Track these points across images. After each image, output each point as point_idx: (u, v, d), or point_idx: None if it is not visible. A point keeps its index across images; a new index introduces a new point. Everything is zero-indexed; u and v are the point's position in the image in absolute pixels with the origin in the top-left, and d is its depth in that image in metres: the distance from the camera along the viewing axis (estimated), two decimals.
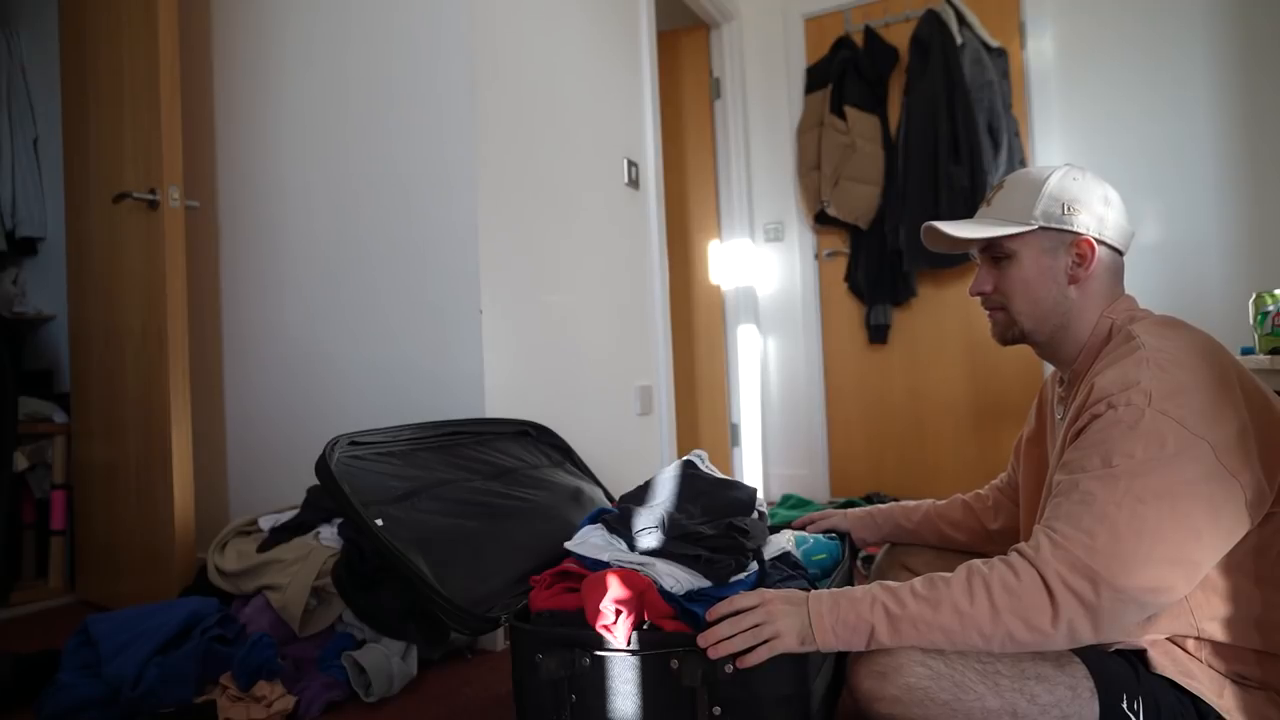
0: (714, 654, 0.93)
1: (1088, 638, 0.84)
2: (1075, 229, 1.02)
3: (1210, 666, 0.92)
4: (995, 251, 1.07)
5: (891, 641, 0.89)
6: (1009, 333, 1.09)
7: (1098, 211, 1.02)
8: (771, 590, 0.98)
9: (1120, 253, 1.06)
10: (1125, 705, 0.88)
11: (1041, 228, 1.03)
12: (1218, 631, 0.91)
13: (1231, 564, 0.90)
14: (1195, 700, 0.90)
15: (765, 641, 0.92)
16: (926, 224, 1.11)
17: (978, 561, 0.90)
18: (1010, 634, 0.85)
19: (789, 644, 0.92)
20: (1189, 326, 0.97)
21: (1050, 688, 0.88)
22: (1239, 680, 0.92)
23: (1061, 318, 1.04)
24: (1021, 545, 0.89)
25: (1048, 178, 1.04)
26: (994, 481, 1.36)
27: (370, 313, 2.14)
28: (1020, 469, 1.25)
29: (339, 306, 2.20)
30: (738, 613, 0.95)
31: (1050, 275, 1.04)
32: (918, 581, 0.91)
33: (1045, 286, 1.04)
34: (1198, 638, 0.92)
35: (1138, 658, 0.92)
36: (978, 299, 1.11)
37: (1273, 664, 0.91)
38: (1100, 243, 1.02)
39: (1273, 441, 0.88)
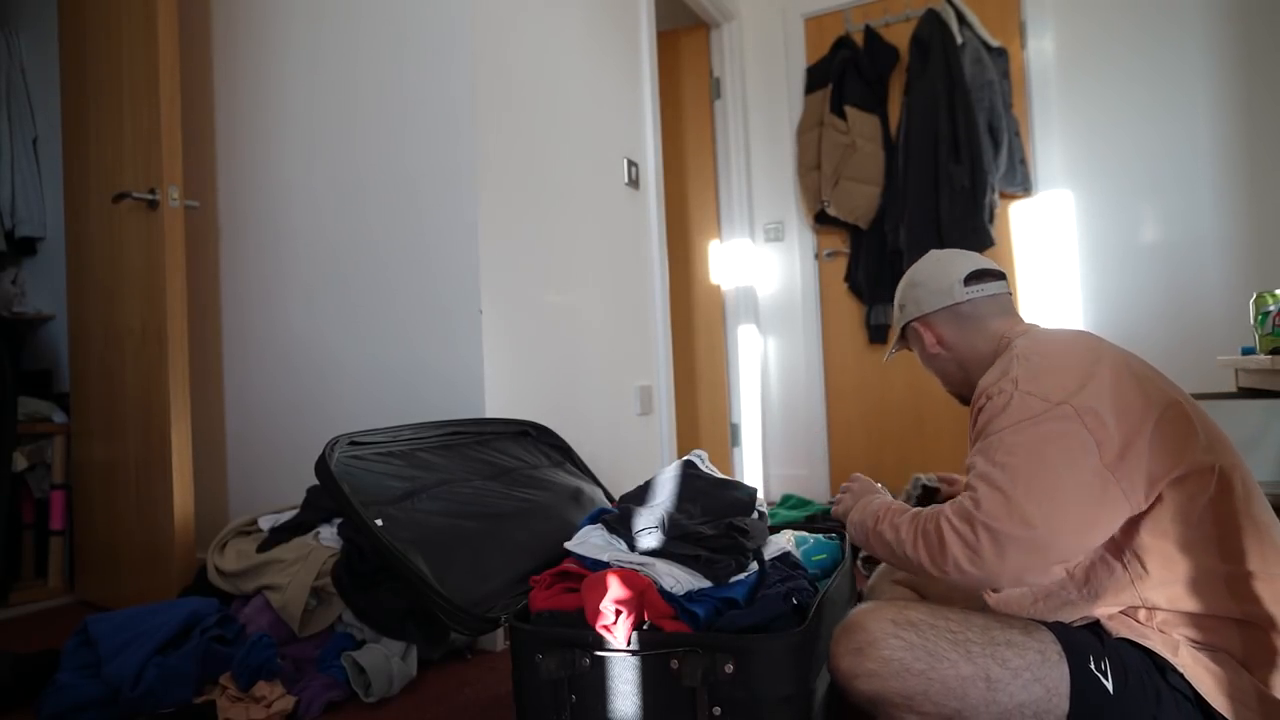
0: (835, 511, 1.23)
1: (973, 572, 0.91)
2: (906, 319, 1.27)
3: (1161, 631, 0.95)
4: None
5: (875, 545, 1.06)
6: (956, 397, 1.28)
7: (912, 297, 1.25)
8: (865, 502, 1.14)
9: (955, 304, 1.20)
10: (1093, 666, 0.92)
11: (901, 330, 1.31)
12: (1161, 600, 0.95)
13: (1159, 533, 0.94)
14: (1153, 657, 0.93)
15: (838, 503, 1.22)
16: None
17: (925, 511, 1.02)
18: (920, 563, 0.97)
19: (838, 512, 1.21)
20: (1075, 330, 1.09)
21: (1020, 652, 0.92)
22: (1193, 643, 0.94)
23: (958, 370, 1.23)
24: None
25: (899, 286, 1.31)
26: None
27: (370, 313, 2.14)
28: None
29: (339, 306, 2.20)
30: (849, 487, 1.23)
31: (924, 354, 1.27)
32: (903, 511, 1.06)
33: (929, 361, 1.26)
34: (1148, 609, 0.96)
35: (1097, 626, 0.98)
36: None
37: (1214, 625, 0.93)
38: (924, 317, 1.23)
39: (1172, 422, 0.94)
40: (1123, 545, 0.96)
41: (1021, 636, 0.94)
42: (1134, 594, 0.96)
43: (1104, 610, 0.98)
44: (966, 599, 1.28)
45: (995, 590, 1.06)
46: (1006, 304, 1.22)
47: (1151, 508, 0.93)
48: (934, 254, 1.27)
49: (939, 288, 1.23)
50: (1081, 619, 0.99)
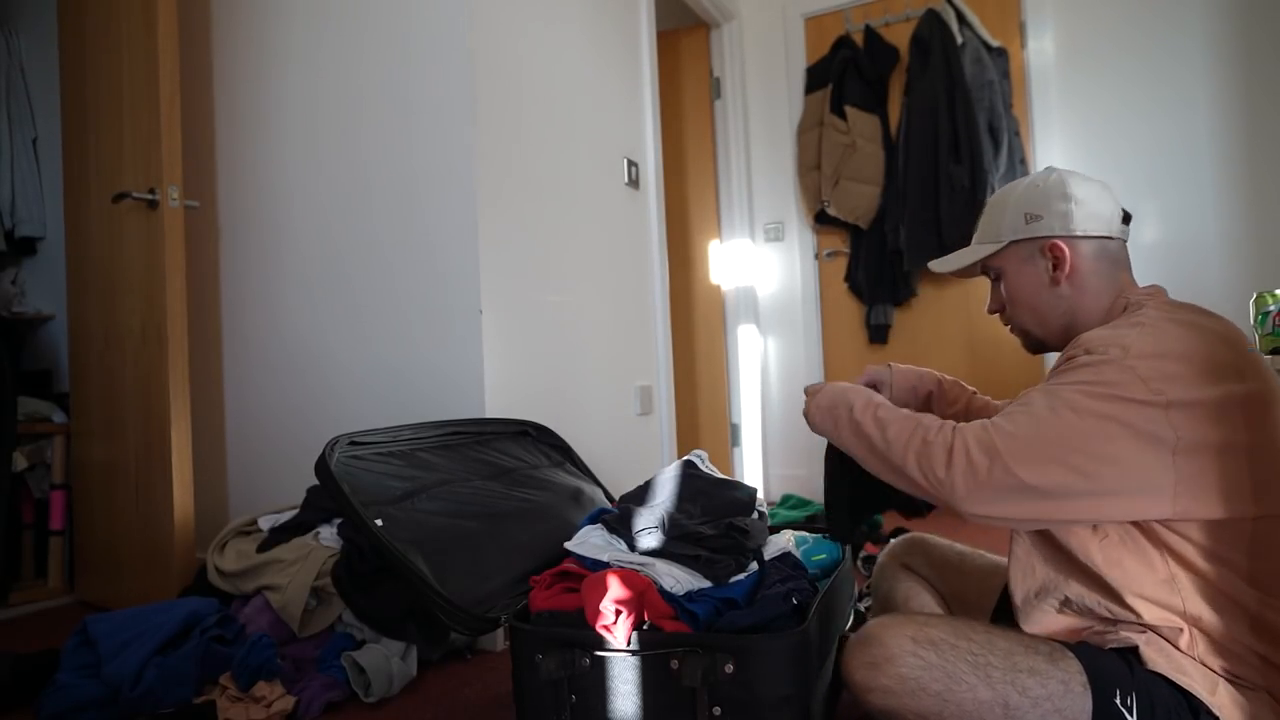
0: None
1: (958, 499, 0.88)
2: (1040, 234, 1.06)
3: (1203, 664, 0.91)
4: (989, 273, 1.13)
5: (845, 433, 1.02)
6: (1029, 343, 1.14)
7: (1060, 209, 1.05)
8: (840, 386, 1.10)
9: (1108, 238, 1.06)
10: (1119, 700, 0.88)
11: (1013, 242, 1.08)
12: (1211, 624, 0.90)
13: (1225, 559, 0.89)
14: (1189, 697, 0.89)
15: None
16: (930, 264, 1.20)
17: (931, 417, 0.97)
18: (905, 469, 0.93)
19: (810, 423, 1.11)
20: (1207, 312, 0.96)
21: (1042, 681, 0.89)
22: (1233, 679, 0.91)
23: (1064, 317, 1.06)
24: (959, 423, 0.95)
25: (1014, 191, 1.09)
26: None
27: (370, 313, 2.14)
28: None
29: (339, 306, 2.20)
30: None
31: (1036, 281, 1.07)
32: (889, 406, 1.01)
33: (1035, 294, 1.08)
34: (1192, 633, 0.91)
35: (1133, 655, 0.92)
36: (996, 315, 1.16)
37: (1269, 667, 0.90)
38: (1072, 238, 1.04)
39: (1267, 457, 0.88)
40: (1168, 547, 0.90)
41: (1046, 664, 0.90)
42: (1178, 604, 0.90)
43: (1145, 634, 0.92)
44: (980, 592, 1.25)
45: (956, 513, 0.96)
46: (1128, 259, 1.08)
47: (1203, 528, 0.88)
48: (1075, 173, 1.07)
49: (1098, 211, 1.05)
50: (1119, 641, 0.93)
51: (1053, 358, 1.10)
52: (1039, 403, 0.89)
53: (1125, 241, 1.07)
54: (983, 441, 0.88)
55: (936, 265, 1.19)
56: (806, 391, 1.15)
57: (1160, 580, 0.91)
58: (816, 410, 1.09)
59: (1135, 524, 0.91)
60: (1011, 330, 1.15)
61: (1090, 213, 1.04)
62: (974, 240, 1.15)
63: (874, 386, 1.35)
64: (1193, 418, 0.85)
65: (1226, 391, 0.87)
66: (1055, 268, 1.05)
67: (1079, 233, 1.04)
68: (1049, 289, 1.06)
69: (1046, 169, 1.10)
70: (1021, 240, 1.07)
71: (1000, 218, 1.09)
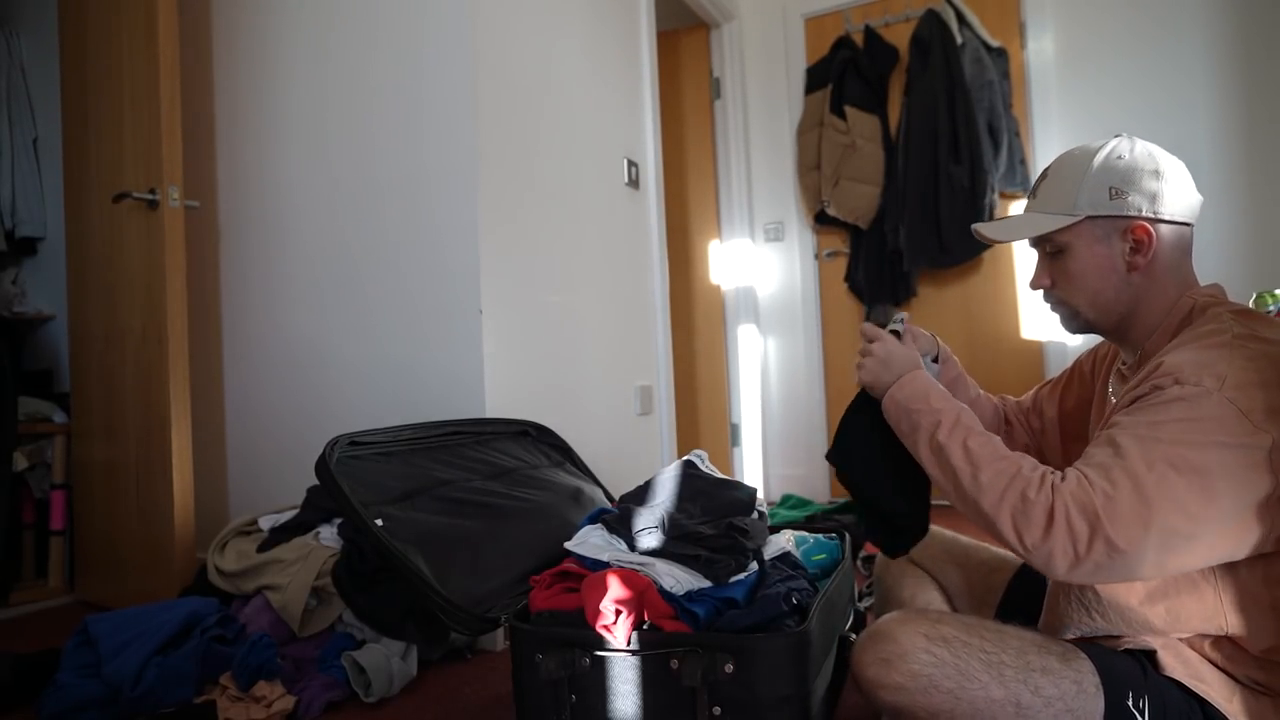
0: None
1: (1060, 572, 0.83)
2: (1126, 213, 0.94)
3: (1223, 670, 0.90)
4: (1048, 246, 1.02)
5: (922, 444, 0.96)
6: (1074, 324, 1.04)
7: (1149, 189, 0.94)
8: (899, 345, 1.07)
9: (1188, 225, 0.97)
10: (1131, 703, 0.87)
11: (1089, 217, 0.96)
12: (1241, 632, 0.89)
13: (1259, 565, 0.87)
14: (1203, 704, 0.88)
15: (860, 368, 1.08)
16: (974, 227, 1.08)
17: (1028, 463, 0.89)
18: (996, 524, 0.86)
19: (865, 380, 1.06)
20: (1277, 323, 0.91)
21: (1055, 680, 0.87)
22: (1251, 685, 0.90)
23: (1127, 305, 0.98)
24: (1055, 475, 0.87)
25: (1093, 158, 0.97)
26: (1018, 400, 1.32)
27: (370, 312, 2.14)
28: (1045, 412, 1.24)
29: (339, 306, 2.20)
30: (873, 341, 1.09)
31: (1108, 265, 0.97)
32: (978, 435, 0.93)
33: (1104, 277, 0.97)
34: (1216, 638, 0.90)
35: (1147, 658, 0.91)
36: (1039, 291, 1.06)
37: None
38: (1158, 221, 0.94)
39: None
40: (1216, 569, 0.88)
41: (1059, 664, 0.89)
42: (1219, 623, 0.89)
43: (1169, 637, 0.91)
44: (986, 587, 1.24)
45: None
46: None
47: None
48: (1159, 150, 0.97)
49: (1184, 194, 0.96)
50: (1136, 643, 0.92)
51: (1057, 356, 1.08)
52: (1134, 454, 0.82)
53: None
54: (1082, 504, 0.81)
55: (991, 231, 1.05)
56: (865, 335, 1.09)
57: (1208, 615, 0.89)
58: (893, 406, 1.01)
59: None
60: (1054, 308, 1.05)
61: (1178, 194, 0.95)
62: (1032, 208, 1.03)
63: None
64: None
65: None
66: (1135, 251, 0.95)
67: (1166, 216, 0.94)
68: (1121, 274, 0.96)
69: (1122, 136, 0.99)
70: (1101, 217, 0.95)
71: (1075, 187, 0.96)
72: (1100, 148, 0.98)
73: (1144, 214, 0.94)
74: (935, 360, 1.26)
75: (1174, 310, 0.96)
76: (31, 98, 2.97)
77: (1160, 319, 0.97)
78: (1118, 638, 0.95)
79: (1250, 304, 1.97)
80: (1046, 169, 1.03)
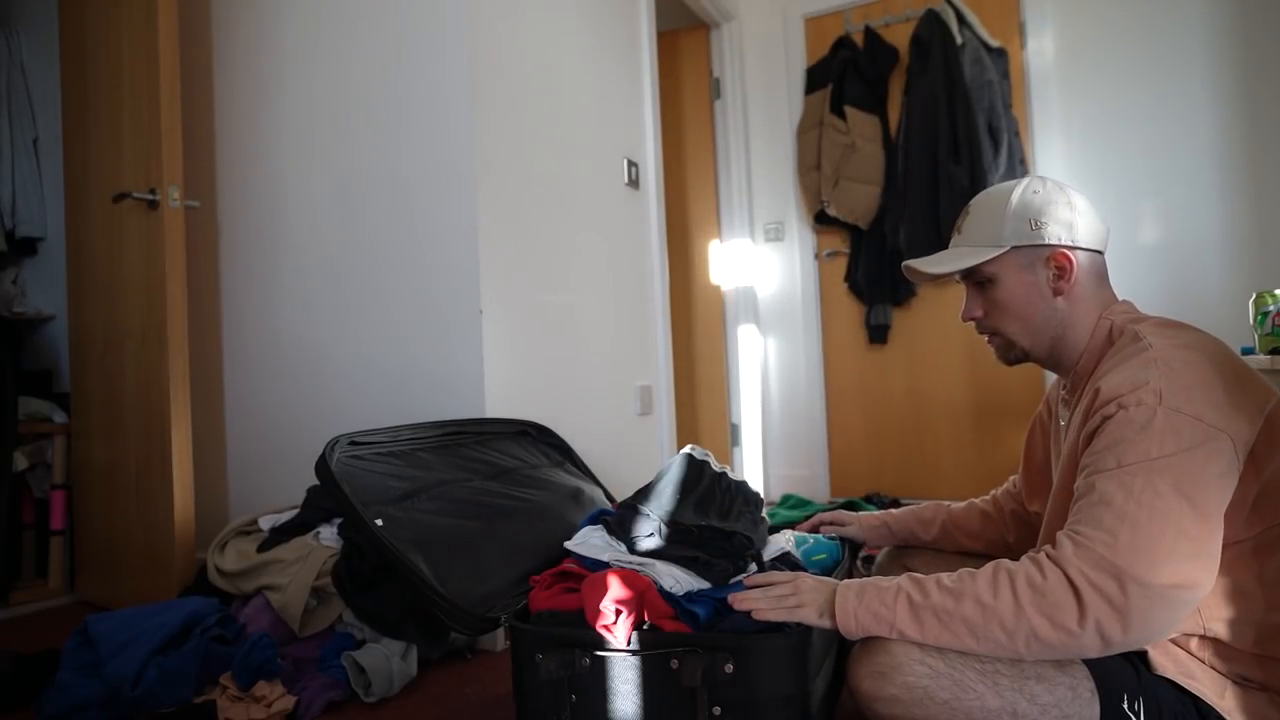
0: (739, 607, 1.00)
1: (1117, 639, 0.81)
2: (1047, 241, 1.02)
3: (1212, 667, 0.91)
4: (976, 277, 1.08)
5: (913, 633, 0.88)
6: (1010, 354, 1.10)
7: (1065, 219, 1.02)
8: (817, 580, 1.01)
9: (1099, 253, 1.05)
10: (1126, 706, 0.87)
11: (1014, 247, 1.03)
12: (1222, 631, 0.90)
13: (1235, 562, 0.89)
14: (1196, 701, 0.89)
15: (788, 608, 0.97)
16: (905, 264, 1.13)
17: (1006, 560, 0.89)
18: (1034, 631, 0.83)
19: (808, 615, 0.96)
20: (1192, 327, 0.96)
21: (1050, 688, 0.87)
22: (1241, 681, 0.91)
23: (1056, 329, 1.04)
24: (1046, 547, 0.88)
25: (1010, 195, 1.05)
26: (1006, 486, 1.34)
27: (370, 313, 2.14)
28: (1023, 465, 1.27)
29: (339, 306, 2.20)
30: (772, 584, 1.02)
31: (1034, 292, 1.04)
32: (944, 575, 0.91)
33: (1032, 304, 1.04)
34: (1201, 637, 0.92)
35: (1139, 659, 0.92)
36: (971, 324, 1.12)
37: (1274, 666, 0.90)
38: (1075, 249, 1.02)
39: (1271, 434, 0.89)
40: None
41: (1053, 670, 0.88)
42: (1197, 622, 0.91)
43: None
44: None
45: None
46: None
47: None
48: (1068, 185, 1.06)
49: (1094, 226, 1.04)
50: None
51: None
52: (1115, 495, 0.84)
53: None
54: (1094, 560, 0.81)
55: (922, 265, 1.10)
56: (759, 584, 1.02)
57: (1189, 616, 0.90)
58: (855, 618, 0.92)
59: None
60: (990, 340, 1.11)
61: (1090, 224, 1.03)
62: (958, 243, 1.10)
63: (837, 524, 1.42)
64: (1248, 441, 0.86)
65: (1260, 407, 0.88)
66: (1059, 278, 1.02)
67: (1082, 244, 1.02)
68: (1048, 300, 1.03)
69: (1033, 177, 1.08)
70: (1025, 246, 1.03)
71: (999, 221, 1.04)
72: (1015, 185, 1.06)
73: (1063, 242, 1.02)
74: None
75: (1096, 332, 1.03)
76: (31, 97, 2.97)
77: (1085, 342, 1.04)
78: None
79: (1250, 304, 1.97)
80: (967, 206, 1.11)
